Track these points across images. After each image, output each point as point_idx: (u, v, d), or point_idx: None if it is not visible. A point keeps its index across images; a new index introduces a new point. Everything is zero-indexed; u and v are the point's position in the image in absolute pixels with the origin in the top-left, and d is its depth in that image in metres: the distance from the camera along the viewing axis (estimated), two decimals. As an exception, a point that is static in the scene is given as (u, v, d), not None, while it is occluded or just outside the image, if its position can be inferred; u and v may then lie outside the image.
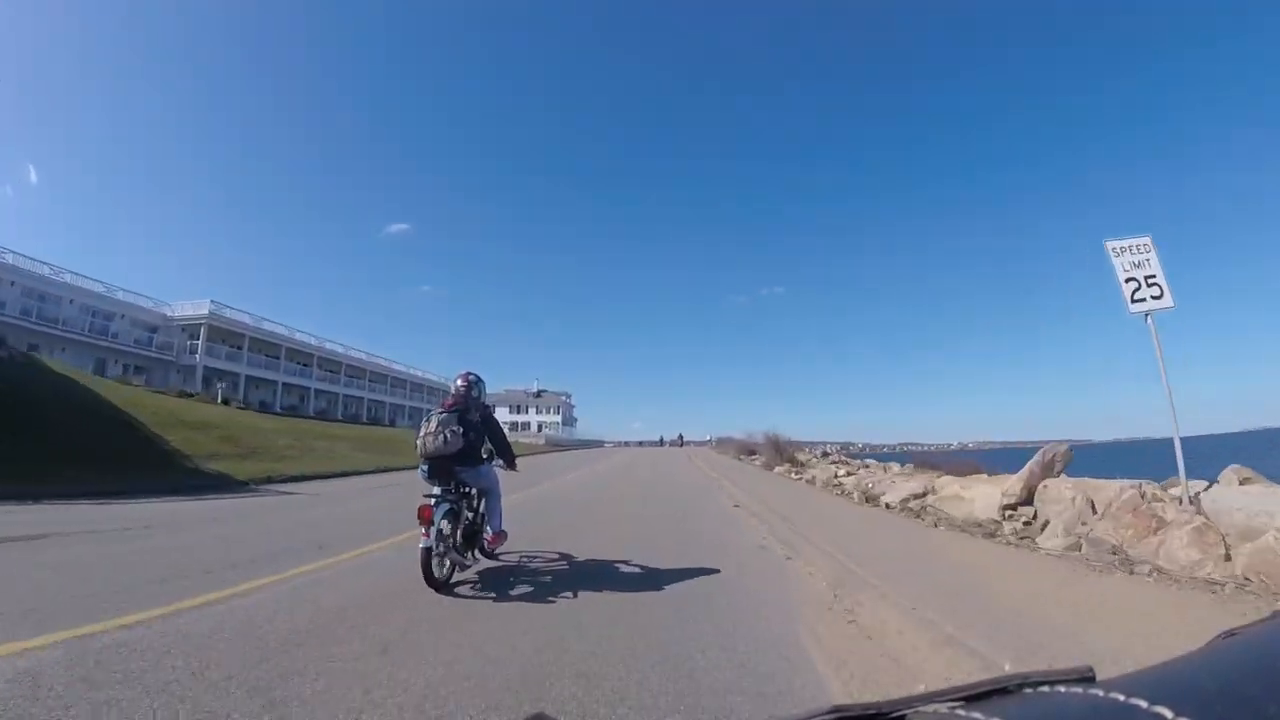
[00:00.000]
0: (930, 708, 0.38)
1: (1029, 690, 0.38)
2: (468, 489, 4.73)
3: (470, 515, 4.74)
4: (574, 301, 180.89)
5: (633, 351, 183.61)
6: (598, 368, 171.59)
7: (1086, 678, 0.34)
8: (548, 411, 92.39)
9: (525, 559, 5.29)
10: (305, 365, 46.83)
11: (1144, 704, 0.33)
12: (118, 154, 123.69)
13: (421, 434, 4.45)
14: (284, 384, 43.47)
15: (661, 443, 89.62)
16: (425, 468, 4.49)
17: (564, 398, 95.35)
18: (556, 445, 59.63)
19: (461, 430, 4.47)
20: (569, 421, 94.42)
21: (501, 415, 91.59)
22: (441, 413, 4.53)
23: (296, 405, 44.80)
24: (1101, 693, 0.36)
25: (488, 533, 4.91)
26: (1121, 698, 0.34)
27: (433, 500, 4.28)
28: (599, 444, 76.78)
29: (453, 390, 4.96)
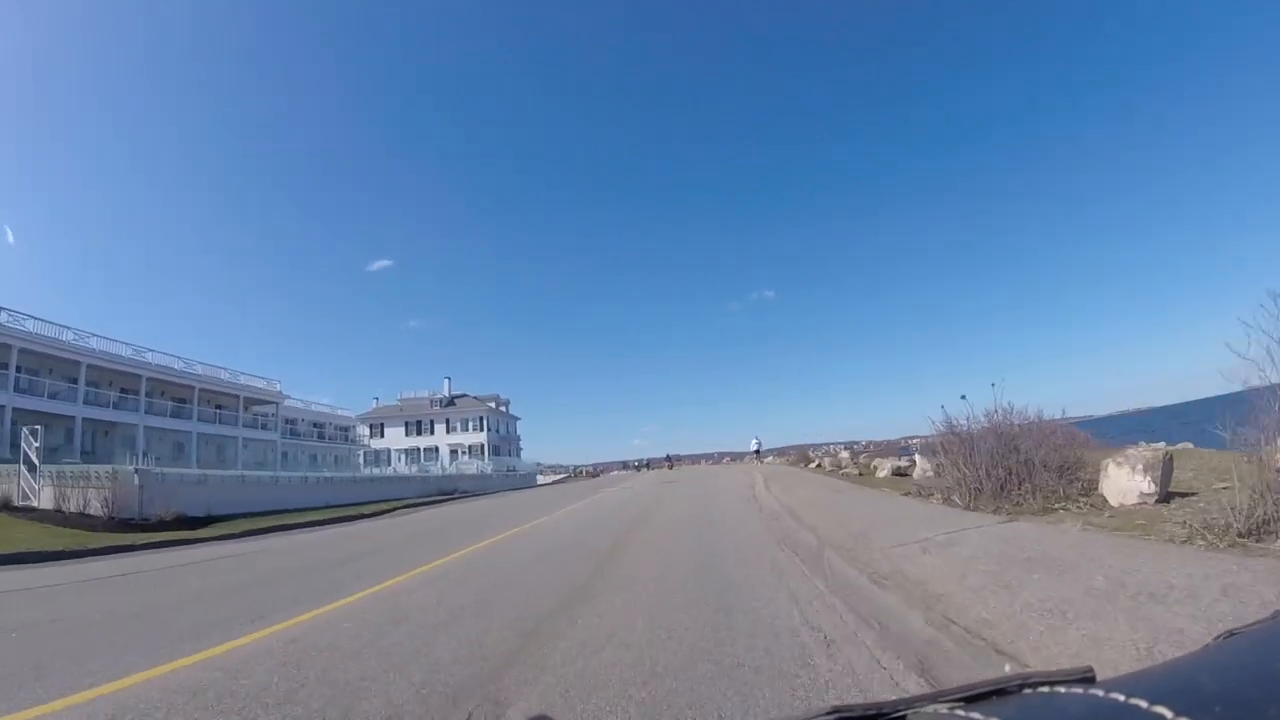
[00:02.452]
0: (930, 708, 0.39)
1: (1029, 691, 0.40)
2: None
3: None
4: (558, 321, 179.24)
5: (629, 369, 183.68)
6: (591, 387, 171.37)
7: (1087, 678, 0.36)
8: (467, 428, 65.44)
9: None
10: None
11: (1144, 704, 0.33)
12: (83, 209, 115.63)
13: None
14: None
15: (638, 468, 71.98)
16: None
17: (492, 404, 69.83)
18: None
19: None
20: (506, 444, 70.66)
21: (394, 437, 65.18)
22: None
23: None
24: (1101, 693, 0.37)
25: None
26: (1121, 698, 0.35)
27: None
28: (529, 480, 55.91)
29: None
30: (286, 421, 50.30)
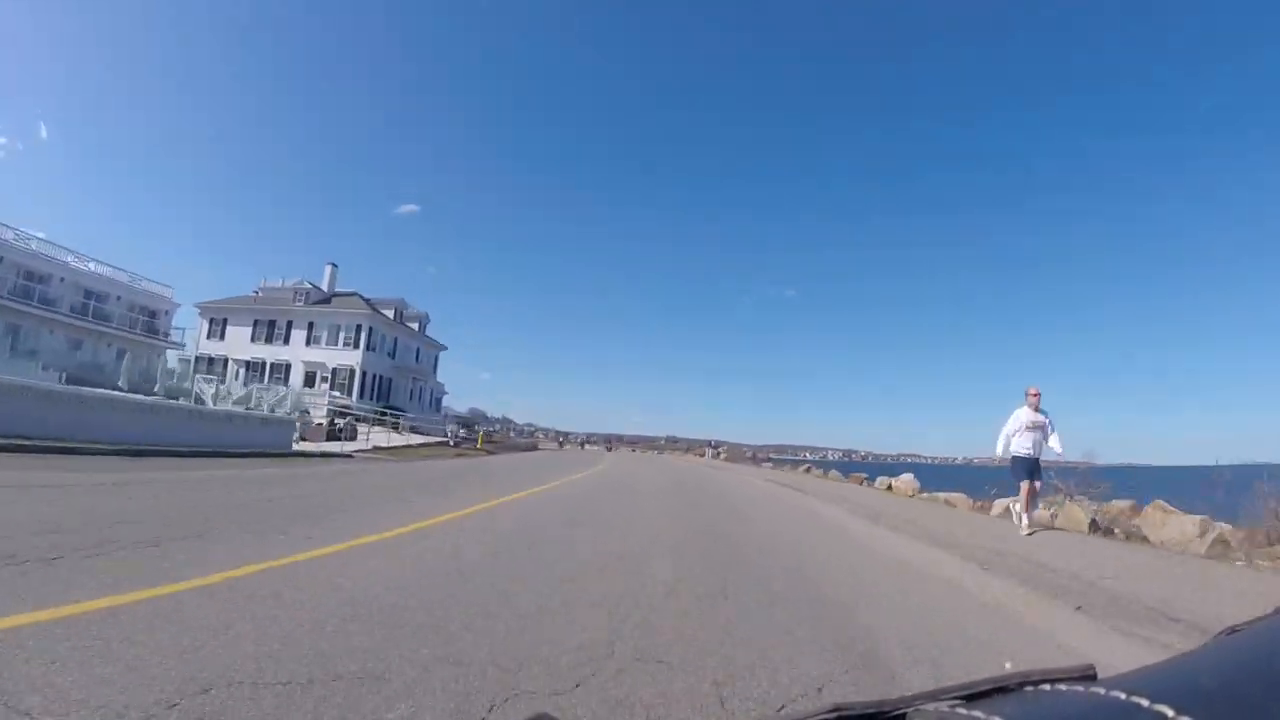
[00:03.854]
0: (931, 706, 0.38)
1: (1030, 688, 0.38)
2: None
3: None
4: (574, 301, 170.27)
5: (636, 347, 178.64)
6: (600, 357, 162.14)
7: (1088, 676, 0.36)
8: (345, 342, 44.11)
9: None
10: None
11: (1145, 702, 0.32)
12: (124, 141, 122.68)
13: None
14: None
15: (561, 443, 60.28)
16: None
17: (389, 312, 48.57)
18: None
19: None
20: (408, 378, 50.30)
21: (237, 341, 47.45)
22: None
23: None
24: (1102, 691, 0.36)
25: None
26: (1122, 696, 0.34)
27: None
28: (263, 435, 19.92)
29: None
30: (26, 277, 31.98)
